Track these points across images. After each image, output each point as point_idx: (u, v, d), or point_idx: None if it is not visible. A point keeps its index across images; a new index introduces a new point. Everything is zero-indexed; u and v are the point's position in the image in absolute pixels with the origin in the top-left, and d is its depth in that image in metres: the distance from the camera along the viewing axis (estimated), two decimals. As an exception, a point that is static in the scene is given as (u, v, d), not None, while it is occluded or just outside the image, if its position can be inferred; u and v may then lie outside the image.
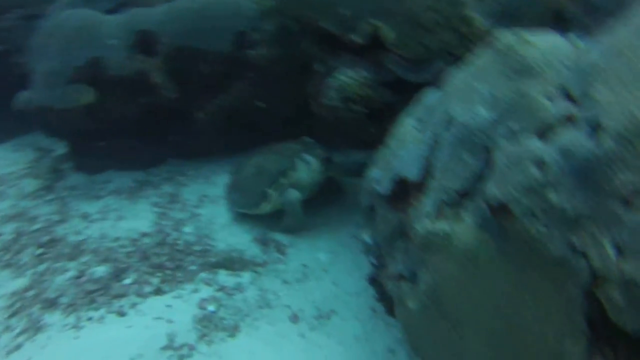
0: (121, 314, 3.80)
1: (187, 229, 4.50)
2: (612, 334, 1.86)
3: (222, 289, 3.95)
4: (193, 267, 4.16)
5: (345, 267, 3.99)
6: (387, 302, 2.78)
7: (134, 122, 4.94)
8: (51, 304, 3.90)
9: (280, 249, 4.24)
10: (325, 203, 4.56)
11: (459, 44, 2.89)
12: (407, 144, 2.63)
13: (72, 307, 3.87)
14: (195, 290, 3.95)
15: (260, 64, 4.56)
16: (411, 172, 2.51)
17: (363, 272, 3.90)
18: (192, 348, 3.51)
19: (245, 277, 4.03)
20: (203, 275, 4.08)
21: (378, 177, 2.87)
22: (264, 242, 4.29)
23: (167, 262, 4.21)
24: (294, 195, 4.20)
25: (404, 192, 2.62)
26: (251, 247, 4.28)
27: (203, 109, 4.78)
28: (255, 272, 4.07)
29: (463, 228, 2.12)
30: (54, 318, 3.80)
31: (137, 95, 4.72)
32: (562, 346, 1.92)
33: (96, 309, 3.86)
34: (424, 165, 2.44)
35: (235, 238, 4.36)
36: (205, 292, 3.94)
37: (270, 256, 4.20)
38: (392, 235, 2.67)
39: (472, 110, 2.24)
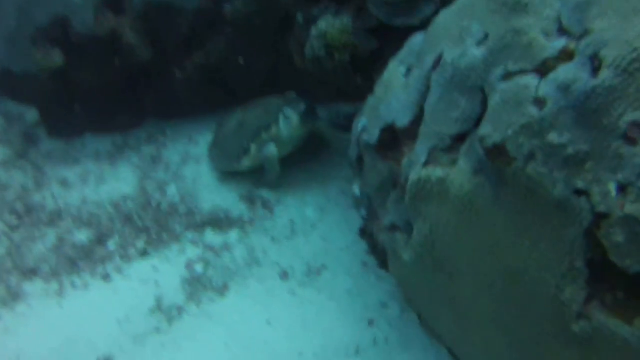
0: (106, 278, 3.72)
1: (171, 190, 4.37)
2: (610, 278, 1.79)
3: (209, 248, 3.86)
4: (179, 229, 4.05)
5: (334, 222, 3.91)
6: (380, 255, 2.70)
7: (108, 85, 4.72)
8: (31, 273, 3.79)
9: (267, 206, 4.13)
10: (313, 159, 4.44)
11: None
12: (395, 90, 2.50)
13: (53, 275, 3.78)
14: (182, 252, 3.86)
15: (236, 19, 4.34)
16: (400, 119, 2.39)
17: (352, 227, 3.82)
18: (181, 310, 3.44)
19: (233, 235, 3.94)
20: (189, 235, 3.98)
21: (366, 126, 2.74)
22: (250, 200, 4.18)
23: (151, 225, 4.10)
24: (271, 150, 4.07)
25: (393, 140, 2.51)
26: (238, 205, 4.17)
27: (180, 68, 4.57)
28: (243, 230, 3.97)
29: (458, 173, 2.02)
30: (34, 287, 3.71)
31: (110, 57, 4.50)
32: (561, 292, 1.84)
33: (80, 275, 3.77)
34: (414, 111, 2.32)
35: (221, 197, 4.24)
36: (193, 252, 3.85)
37: (257, 214, 4.09)
38: (382, 185, 2.57)
39: (462, 50, 2.11)
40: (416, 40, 2.58)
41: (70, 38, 4.37)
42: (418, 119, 2.30)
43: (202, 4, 4.25)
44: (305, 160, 4.45)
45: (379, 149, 2.58)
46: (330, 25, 3.04)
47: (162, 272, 3.73)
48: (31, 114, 5.36)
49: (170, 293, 3.56)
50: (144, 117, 5.15)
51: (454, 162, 2.08)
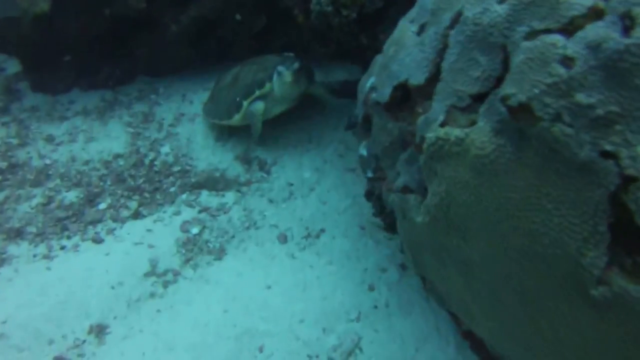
0: (97, 240, 3.60)
1: (165, 149, 4.24)
2: (631, 243, 1.74)
3: (205, 210, 3.76)
4: (173, 189, 3.94)
5: (331, 184, 3.82)
6: (387, 217, 2.63)
7: (97, 36, 4.51)
8: (16, 234, 3.66)
9: (263, 167, 4.03)
10: (308, 120, 4.33)
11: None
12: (407, 48, 2.38)
13: (41, 237, 3.65)
14: (177, 213, 3.76)
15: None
16: (415, 77, 2.28)
17: (349, 190, 3.76)
18: (176, 273, 3.36)
19: (229, 197, 3.84)
20: (184, 196, 3.88)
21: (374, 85, 2.64)
22: (246, 161, 4.07)
23: (144, 185, 3.98)
24: (257, 107, 3.99)
25: (405, 99, 2.41)
26: (233, 166, 4.06)
27: (174, 21, 4.37)
28: (239, 191, 3.87)
29: (477, 133, 1.93)
30: (20, 249, 3.58)
31: (100, 5, 4.28)
32: (582, 256, 1.79)
33: (69, 237, 3.65)
34: (430, 69, 2.21)
35: (216, 157, 4.12)
36: (188, 214, 3.75)
37: (254, 175, 3.99)
38: (392, 145, 2.48)
39: (484, 6, 1.99)
40: (429, -1, 2.45)
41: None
42: (434, 77, 2.19)
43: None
44: (301, 121, 4.34)
45: (389, 108, 2.48)
46: (338, -20, 2.90)
47: (156, 234, 3.63)
48: (12, 65, 5.16)
49: (165, 256, 3.47)
50: (135, 73, 4.98)
51: (473, 122, 1.99)
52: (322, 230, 3.50)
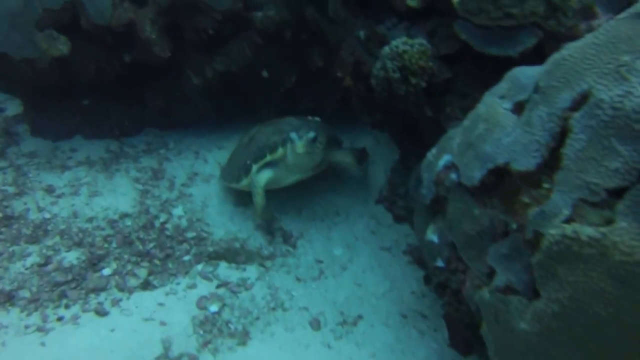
0: (101, 313, 3.15)
1: (177, 211, 3.84)
2: None
3: (224, 284, 3.36)
4: (187, 258, 3.54)
5: (366, 264, 3.48)
6: (464, 315, 2.29)
7: (111, 82, 4.18)
8: (6, 298, 3.19)
9: (288, 240, 3.67)
10: (336, 192, 4.02)
11: (549, 15, 2.40)
12: (505, 127, 2.13)
13: (35, 303, 3.19)
14: (192, 286, 3.35)
15: (266, 28, 3.92)
16: (520, 161, 2.01)
17: (387, 272, 3.43)
18: (193, 358, 2.91)
19: (251, 271, 3.45)
20: (199, 267, 3.48)
21: (454, 164, 2.36)
22: (269, 231, 3.71)
23: (154, 250, 3.56)
24: (261, 176, 3.62)
25: (499, 184, 2.13)
26: (255, 236, 3.69)
27: (198, 73, 4.09)
28: (263, 266, 3.49)
29: (621, 234, 1.64)
30: (10, 317, 3.10)
31: (121, 50, 3.97)
32: None
33: (67, 306, 3.20)
34: (542, 153, 1.94)
35: (235, 225, 3.75)
36: (205, 288, 3.34)
37: (278, 248, 3.62)
38: (480, 235, 2.18)
39: (625, 89, 1.76)
40: (524, 73, 2.23)
41: (81, 25, 3.81)
42: (548, 164, 1.93)
43: (234, 5, 3.79)
44: (327, 192, 4.04)
45: (477, 193, 2.19)
46: (408, 45, 2.66)
47: (169, 309, 3.19)
48: (12, 106, 4.77)
49: (179, 336, 3.02)
50: (144, 125, 4.63)
51: (608, 220, 1.70)
52: (360, 317, 3.14)
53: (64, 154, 4.37)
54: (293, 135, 3.43)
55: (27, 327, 3.03)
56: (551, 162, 1.93)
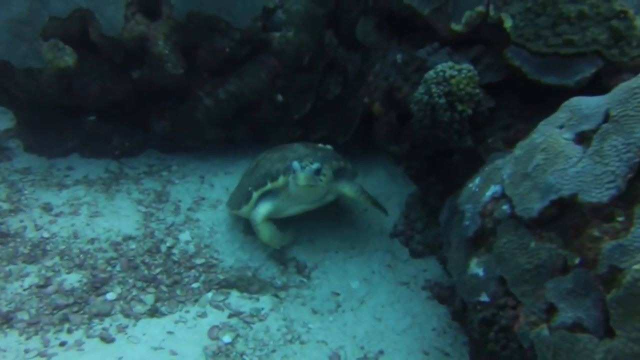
0: (107, 339, 2.95)
1: (184, 236, 3.68)
2: None
3: (236, 314, 3.20)
4: (196, 285, 3.37)
5: (384, 299, 3.37)
6: (514, 353, 2.20)
7: (117, 102, 4.03)
8: (4, 320, 2.96)
9: (302, 270, 3.55)
10: (350, 225, 3.92)
11: (612, 44, 2.41)
12: (569, 158, 2.10)
13: (34, 327, 2.97)
14: (202, 315, 3.18)
15: (283, 50, 3.88)
16: (590, 192, 1.98)
17: (407, 308, 3.33)
18: (208, 393, 2.73)
19: (265, 302, 3.30)
20: (210, 295, 3.31)
21: (505, 195, 2.32)
22: (281, 261, 3.57)
23: (161, 276, 3.39)
24: (259, 210, 3.42)
25: (559, 216, 2.09)
26: (267, 265, 3.55)
27: (209, 94, 3.98)
28: (277, 296, 3.34)
29: None
30: (8, 340, 2.88)
31: (129, 67, 3.85)
32: None
33: (70, 330, 2.99)
34: (617, 184, 1.92)
35: (246, 254, 3.61)
36: (216, 317, 3.18)
37: (292, 278, 3.49)
38: (538, 269, 2.12)
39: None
40: (585, 103, 2.23)
41: (89, 38, 3.68)
42: (624, 195, 1.90)
43: (253, 24, 3.72)
44: (341, 224, 3.94)
45: (535, 226, 2.15)
46: (456, 70, 2.62)
47: (178, 338, 3.01)
48: (3, 120, 4.55)
49: (191, 368, 2.84)
50: (145, 146, 4.47)
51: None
52: (381, 352, 3.02)
53: (60, 172, 4.17)
54: (295, 164, 3.17)
55: (27, 351, 2.81)
56: (628, 195, 1.90)
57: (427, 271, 3.58)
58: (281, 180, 3.36)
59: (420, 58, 2.94)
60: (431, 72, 2.70)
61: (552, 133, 2.26)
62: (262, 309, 3.24)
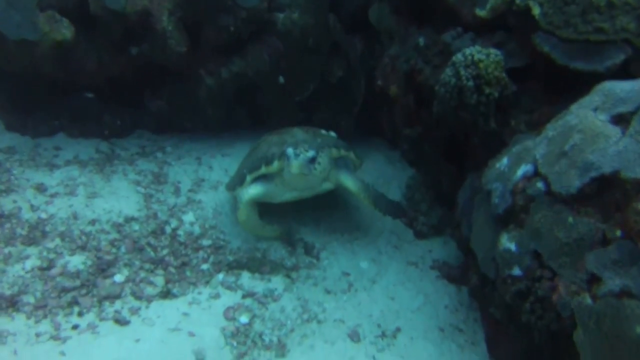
0: (121, 322, 2.85)
1: (188, 217, 3.60)
2: None
3: (249, 295, 3.16)
4: (205, 266, 3.31)
5: (395, 279, 3.41)
6: (551, 322, 2.28)
7: (111, 78, 3.89)
8: (9, 304, 2.82)
9: (310, 251, 3.53)
10: (355, 208, 3.93)
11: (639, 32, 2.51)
12: (608, 137, 2.18)
13: (42, 310, 2.83)
14: (216, 296, 3.12)
15: (288, 31, 3.84)
16: (632, 169, 2.06)
17: (419, 287, 3.38)
18: (233, 372, 2.69)
19: (277, 282, 3.28)
20: (221, 277, 3.25)
21: (542, 174, 2.38)
22: (289, 242, 3.55)
23: (168, 258, 3.30)
24: (248, 191, 3.32)
25: (598, 192, 2.17)
26: (275, 246, 3.51)
27: (212, 73, 3.89)
28: (289, 277, 3.32)
29: None
30: (16, 324, 2.74)
31: (129, 41, 3.71)
32: None
33: (81, 313, 2.88)
34: (659, 162, 2.01)
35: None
36: (229, 298, 3.13)
37: (301, 259, 3.47)
38: (577, 243, 2.19)
39: None
40: (619, 87, 2.32)
41: (88, 10, 3.52)
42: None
43: (259, 4, 3.66)
44: (343, 204, 3.95)
45: (573, 202, 2.22)
46: (484, 54, 2.67)
47: (194, 319, 2.94)
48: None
49: (212, 348, 2.78)
50: (136, 127, 4.33)
51: None
52: (398, 330, 3.05)
53: (48, 152, 3.99)
54: (289, 151, 3.06)
55: (38, 335, 2.69)
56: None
57: (432, 252, 3.64)
58: (276, 165, 3.25)
59: (444, 42, 2.98)
60: (459, 55, 2.73)
61: (587, 115, 2.34)
62: (275, 289, 3.22)
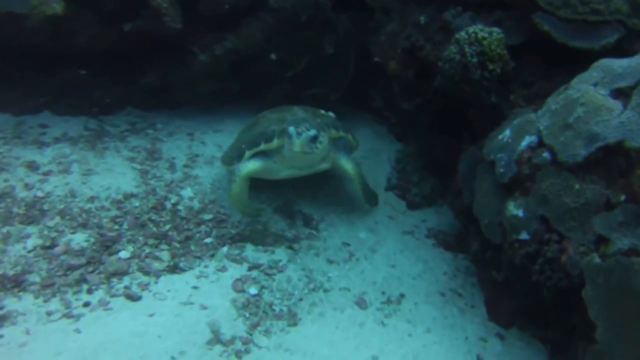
0: (133, 297, 2.86)
1: (186, 192, 3.60)
2: None
3: (256, 267, 3.21)
4: (209, 240, 3.33)
5: (394, 247, 3.52)
6: (559, 281, 2.43)
7: (101, 52, 3.81)
8: (14, 284, 2.78)
9: (309, 223, 3.60)
10: (348, 180, 4.00)
11: (632, 14, 2.67)
12: (611, 110, 2.34)
13: (50, 289, 2.81)
14: (222, 269, 3.16)
15: (281, 8, 3.84)
16: (636, 139, 2.22)
17: (417, 255, 3.51)
18: (247, 341, 2.76)
19: (280, 254, 3.34)
20: (225, 250, 3.29)
21: (547, 144, 2.52)
22: (289, 215, 3.61)
23: (171, 232, 3.31)
24: (247, 166, 3.34)
25: (603, 160, 2.33)
26: (274, 219, 3.57)
27: (206, 49, 3.86)
28: (291, 248, 3.39)
29: None
30: (24, 303, 2.72)
31: (123, 17, 3.63)
32: None
33: (90, 291, 2.86)
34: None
35: (251, 205, 3.58)
36: (236, 270, 3.17)
37: (301, 231, 3.54)
38: (584, 207, 2.34)
39: None
40: (617, 63, 2.48)
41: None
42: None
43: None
44: (336, 177, 4.02)
45: (578, 170, 2.37)
46: (486, 32, 2.77)
47: (204, 292, 2.98)
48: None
49: (225, 320, 2.83)
50: (127, 103, 4.26)
51: None
52: (402, 296, 3.17)
53: (33, 130, 3.89)
54: (291, 129, 3.11)
55: (49, 313, 2.67)
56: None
57: (426, 221, 3.78)
58: (275, 142, 3.29)
59: (445, 20, 3.07)
60: (462, 34, 2.84)
61: (588, 89, 2.49)
62: (280, 260, 3.28)
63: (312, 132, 3.13)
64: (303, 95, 4.17)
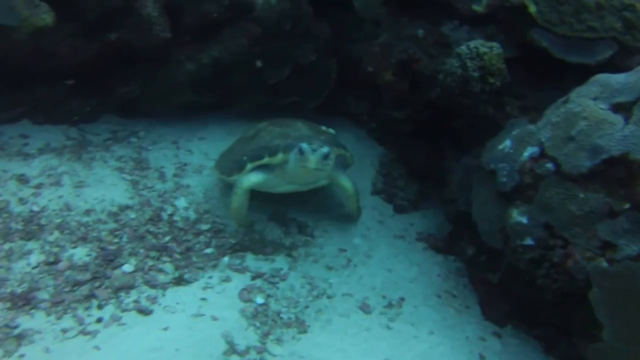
0: (144, 312, 2.85)
1: (180, 202, 3.59)
2: None
3: (259, 276, 3.27)
4: (209, 250, 3.35)
5: (388, 252, 3.65)
6: (565, 284, 2.62)
7: (85, 64, 3.72)
8: (24, 302, 2.73)
9: (304, 230, 3.68)
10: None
11: (625, 31, 2.89)
12: (613, 124, 2.53)
13: (61, 305, 2.77)
14: (227, 279, 3.20)
15: (266, 17, 3.89)
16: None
17: (410, 258, 3.65)
18: (261, 350, 2.82)
19: (280, 261, 3.40)
20: (226, 260, 3.32)
21: (550, 155, 2.70)
22: (283, 223, 3.67)
23: (171, 244, 3.31)
24: (248, 179, 3.37)
25: (605, 172, 2.53)
26: (270, 227, 3.63)
27: (192, 59, 3.85)
28: (290, 255, 3.46)
29: None
30: (37, 321, 2.68)
31: (109, 27, 3.57)
32: None
33: (100, 306, 2.84)
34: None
35: (248, 217, 3.62)
36: (240, 280, 3.22)
37: (297, 238, 3.61)
38: (589, 215, 2.54)
39: None
40: (614, 79, 2.67)
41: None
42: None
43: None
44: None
45: (581, 180, 2.57)
46: (487, 47, 2.94)
47: (213, 303, 3.01)
48: None
49: (237, 330, 2.87)
50: (104, 111, 4.18)
51: None
52: (402, 299, 3.31)
53: (14, 140, 3.77)
54: (305, 147, 3.09)
55: (64, 331, 2.64)
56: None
57: (414, 225, 3.93)
58: (280, 157, 3.30)
59: (442, 34, 3.22)
60: (464, 48, 3.00)
61: (589, 104, 2.68)
62: (281, 268, 3.34)
63: (325, 150, 3.13)
64: (282, 103, 4.22)
